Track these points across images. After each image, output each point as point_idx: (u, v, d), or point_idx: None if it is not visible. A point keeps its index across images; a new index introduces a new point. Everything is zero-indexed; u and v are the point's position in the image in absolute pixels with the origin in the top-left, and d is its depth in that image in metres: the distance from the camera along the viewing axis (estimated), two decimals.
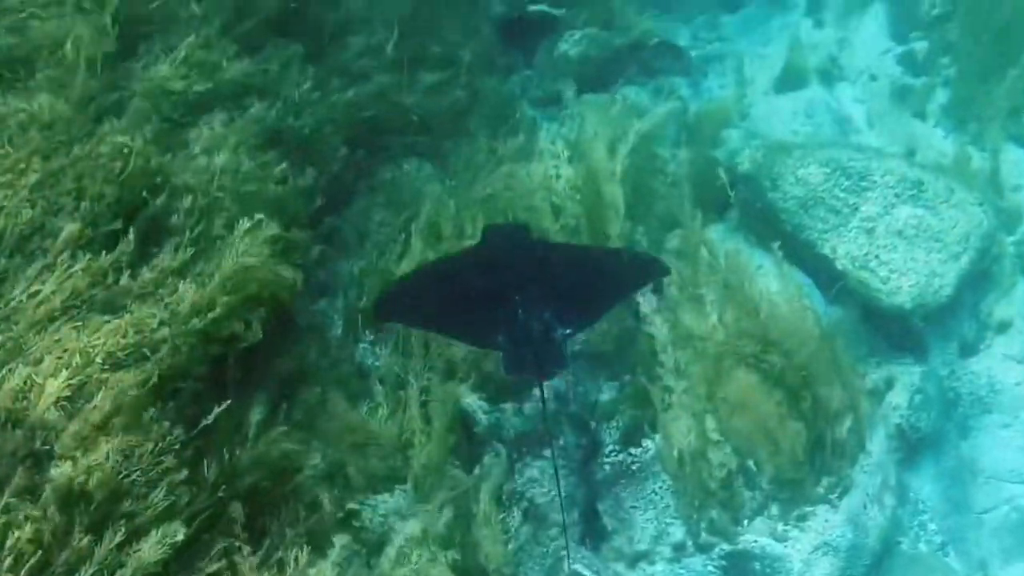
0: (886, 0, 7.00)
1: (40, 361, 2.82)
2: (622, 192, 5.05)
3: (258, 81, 4.75)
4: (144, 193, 3.63)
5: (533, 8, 6.55)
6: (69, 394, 2.78)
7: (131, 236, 3.38)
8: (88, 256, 3.23)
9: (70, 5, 3.95)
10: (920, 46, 6.69)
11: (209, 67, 4.47)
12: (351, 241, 5.04)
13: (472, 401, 4.37)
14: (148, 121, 3.96)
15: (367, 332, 4.62)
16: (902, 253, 5.23)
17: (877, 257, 5.24)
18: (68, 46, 3.79)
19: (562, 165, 5.38)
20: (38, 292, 3.07)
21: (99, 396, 2.80)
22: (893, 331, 5.30)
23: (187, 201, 3.72)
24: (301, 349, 4.23)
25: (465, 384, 4.37)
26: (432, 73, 5.79)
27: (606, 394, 4.67)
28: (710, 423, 4.46)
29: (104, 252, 3.29)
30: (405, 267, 4.74)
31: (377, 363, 4.48)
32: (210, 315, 3.35)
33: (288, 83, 4.93)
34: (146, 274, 3.40)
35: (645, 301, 4.77)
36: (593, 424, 4.62)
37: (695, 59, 7.01)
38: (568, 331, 3.95)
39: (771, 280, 5.02)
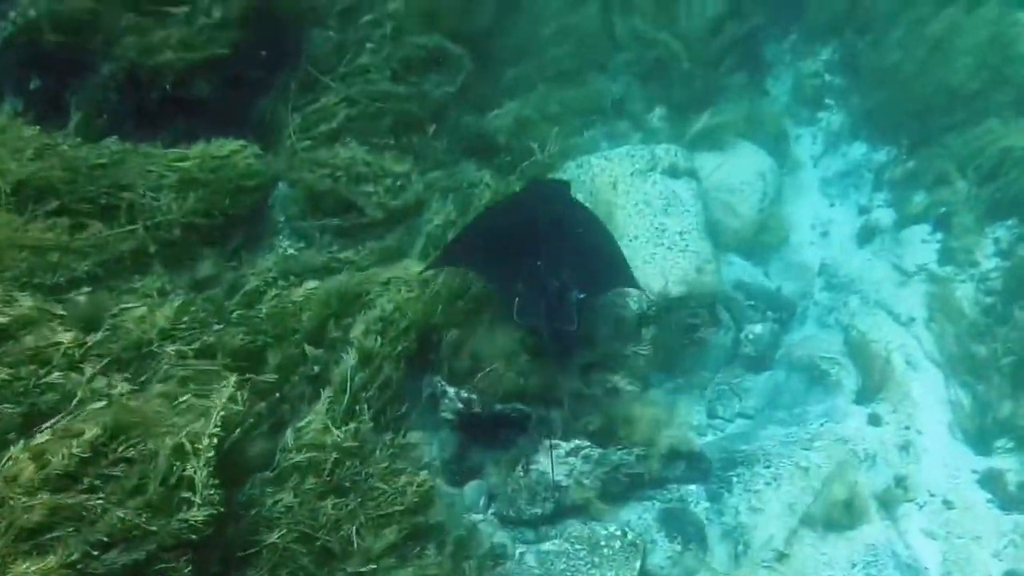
0: (962, 384, 5.48)
1: None
2: None
3: None
4: None
5: (501, 407, 4.94)
6: None
7: None
8: None
9: None
10: (1010, 466, 5.17)
11: None
12: None
13: None
14: None
15: None
16: None
17: None
18: None
19: None
20: None
21: None
22: None
23: None
24: None
25: None
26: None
27: None
28: None
29: None
30: None
31: None
32: None
33: None
34: None
35: None
36: None
37: (715, 449, 5.46)
38: (583, 295, 4.20)
39: None
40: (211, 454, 3.17)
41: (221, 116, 4.70)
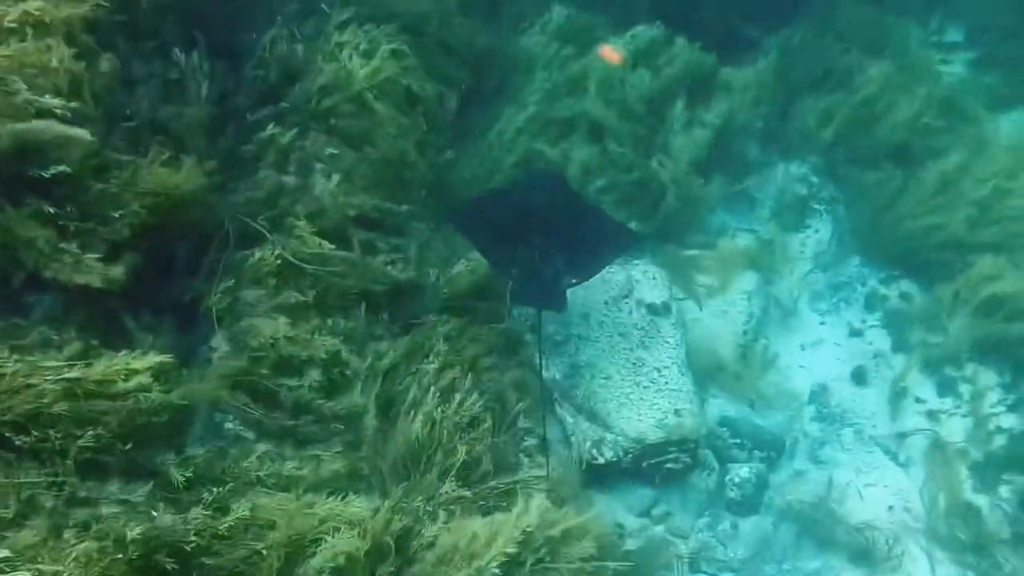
0: (964, 553, 5.00)
1: None
2: None
3: None
4: None
5: None
6: None
7: None
8: None
9: None
10: None
11: None
12: None
13: None
14: None
15: None
16: None
17: None
18: None
19: None
20: None
21: None
22: None
23: None
24: None
25: None
26: None
27: None
28: None
29: None
30: None
31: None
32: None
33: None
34: None
35: None
36: None
37: None
38: (574, 281, 4.52)
39: None
40: None
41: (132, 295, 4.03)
